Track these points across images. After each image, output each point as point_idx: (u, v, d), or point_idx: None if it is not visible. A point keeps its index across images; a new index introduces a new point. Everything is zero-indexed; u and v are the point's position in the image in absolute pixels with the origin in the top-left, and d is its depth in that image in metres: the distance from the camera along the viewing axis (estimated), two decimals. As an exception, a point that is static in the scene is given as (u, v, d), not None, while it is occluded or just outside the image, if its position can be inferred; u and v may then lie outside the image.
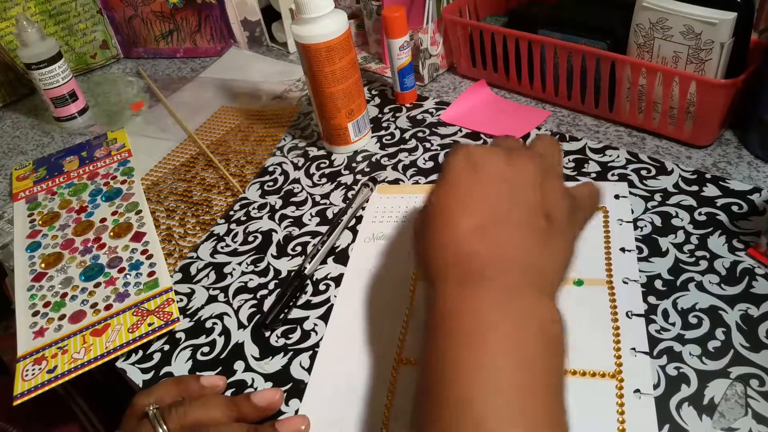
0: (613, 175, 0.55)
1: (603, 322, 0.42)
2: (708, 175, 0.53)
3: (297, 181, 0.62)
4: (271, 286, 0.51)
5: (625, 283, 0.44)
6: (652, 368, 0.39)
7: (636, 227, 0.49)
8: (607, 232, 0.48)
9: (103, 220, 0.61)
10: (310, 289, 0.50)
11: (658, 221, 0.49)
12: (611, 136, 0.60)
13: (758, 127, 0.54)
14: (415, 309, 0.46)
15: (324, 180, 0.61)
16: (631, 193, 0.52)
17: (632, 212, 0.50)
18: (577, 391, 0.38)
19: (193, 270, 0.54)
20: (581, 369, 0.39)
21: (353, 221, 0.55)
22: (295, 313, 0.48)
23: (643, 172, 0.55)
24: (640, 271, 0.45)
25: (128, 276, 0.53)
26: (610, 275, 0.45)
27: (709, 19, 0.51)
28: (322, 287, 0.49)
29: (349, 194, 0.59)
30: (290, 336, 0.46)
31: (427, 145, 0.63)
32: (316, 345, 0.45)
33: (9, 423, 0.60)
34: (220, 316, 0.49)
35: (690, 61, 0.54)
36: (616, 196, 0.52)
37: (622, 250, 0.47)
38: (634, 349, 0.40)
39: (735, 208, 0.50)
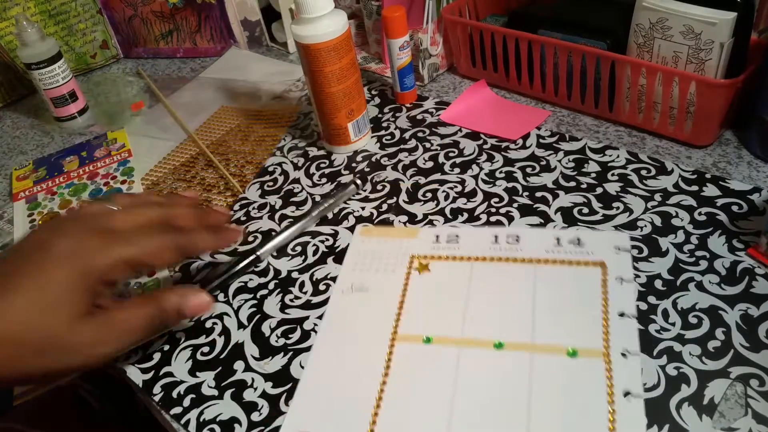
0: (613, 175, 0.55)
1: (597, 402, 0.37)
2: (708, 175, 0.53)
3: (297, 181, 0.62)
4: (271, 286, 0.51)
5: (623, 356, 0.39)
6: None
7: (636, 227, 0.49)
8: (604, 292, 0.43)
9: (103, 220, 0.61)
10: (307, 285, 0.50)
11: (657, 221, 0.49)
12: (611, 136, 0.60)
13: (758, 127, 0.54)
14: (393, 372, 0.41)
15: (324, 180, 0.61)
16: (630, 193, 0.53)
17: (634, 269, 0.45)
18: None
19: (193, 270, 0.54)
20: None
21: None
22: (295, 313, 0.48)
23: (643, 172, 0.55)
24: (640, 271, 0.45)
25: (128, 276, 0.53)
26: (607, 346, 0.40)
27: (708, 19, 0.51)
28: (322, 287, 0.49)
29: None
30: (290, 336, 0.46)
31: (427, 145, 0.63)
32: (316, 345, 0.45)
33: (14, 422, 0.60)
34: (220, 316, 0.49)
35: (690, 61, 0.54)
36: (617, 249, 0.47)
37: (621, 315, 0.42)
38: None
39: (735, 208, 0.50)
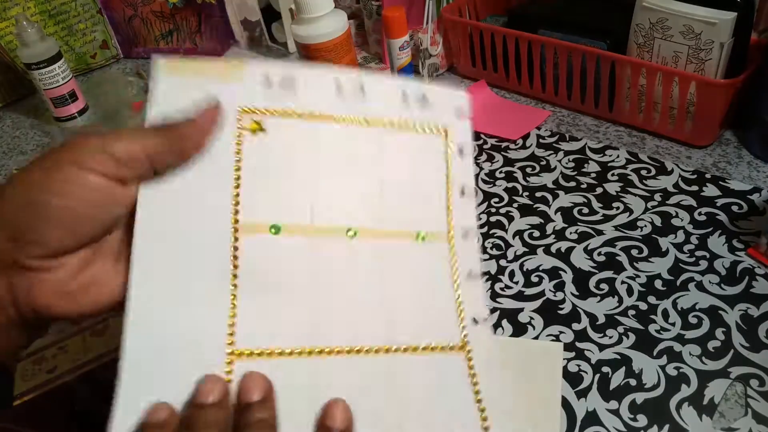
0: (613, 175, 0.55)
1: (444, 286, 0.35)
2: (708, 175, 0.53)
3: (297, 181, 0.62)
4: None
5: (464, 238, 0.37)
6: (494, 339, 0.36)
7: (635, 227, 0.49)
8: (447, 167, 0.38)
9: (103, 220, 0.61)
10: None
11: (658, 221, 0.50)
12: (611, 136, 0.60)
13: (758, 126, 0.54)
14: (242, 274, 0.33)
15: (324, 180, 0.61)
16: (630, 193, 0.53)
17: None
18: (424, 370, 0.34)
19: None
20: (424, 344, 0.34)
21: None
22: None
23: (643, 172, 0.55)
24: (640, 271, 0.45)
25: (128, 276, 0.53)
26: (451, 227, 0.36)
27: (708, 19, 0.51)
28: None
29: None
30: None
31: (427, 145, 0.63)
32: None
33: (14, 423, 0.60)
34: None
35: (690, 61, 0.54)
36: (457, 111, 0.39)
37: (462, 192, 0.37)
38: (474, 319, 0.35)
39: (735, 208, 0.50)
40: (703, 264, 0.45)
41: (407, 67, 0.67)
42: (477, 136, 0.63)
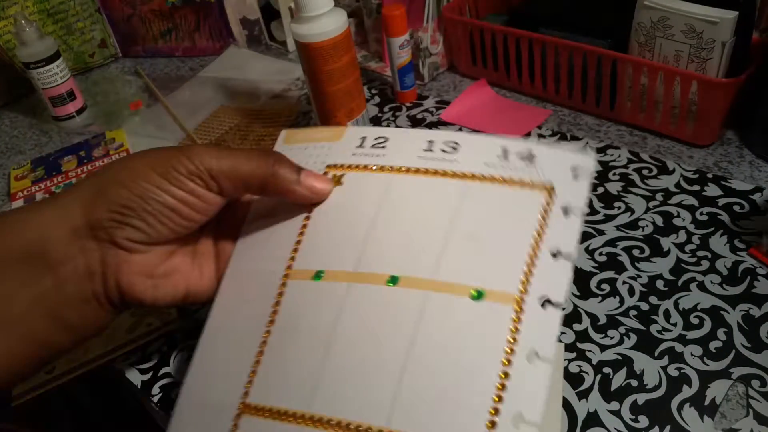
0: (614, 174, 0.55)
1: (490, 362, 0.29)
2: (709, 175, 0.53)
3: (296, 180, 0.62)
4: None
5: (542, 306, 0.30)
6: None
7: (637, 227, 0.49)
8: (542, 223, 0.33)
9: (101, 219, 0.61)
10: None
11: (659, 221, 0.49)
12: (612, 136, 0.60)
13: (760, 126, 0.54)
14: (280, 318, 0.35)
15: (324, 179, 0.61)
16: (631, 192, 0.52)
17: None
18: None
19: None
20: None
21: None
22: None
23: (645, 172, 0.54)
24: (641, 271, 0.45)
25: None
26: (524, 290, 0.31)
27: (710, 18, 0.50)
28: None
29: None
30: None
31: (427, 144, 0.63)
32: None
33: (11, 422, 0.60)
34: (219, 317, 0.49)
35: (691, 60, 0.54)
36: (574, 171, 0.36)
37: (555, 254, 0.32)
38: (519, 416, 0.27)
39: (736, 208, 0.49)
40: (705, 264, 0.45)
41: (407, 66, 0.67)
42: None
